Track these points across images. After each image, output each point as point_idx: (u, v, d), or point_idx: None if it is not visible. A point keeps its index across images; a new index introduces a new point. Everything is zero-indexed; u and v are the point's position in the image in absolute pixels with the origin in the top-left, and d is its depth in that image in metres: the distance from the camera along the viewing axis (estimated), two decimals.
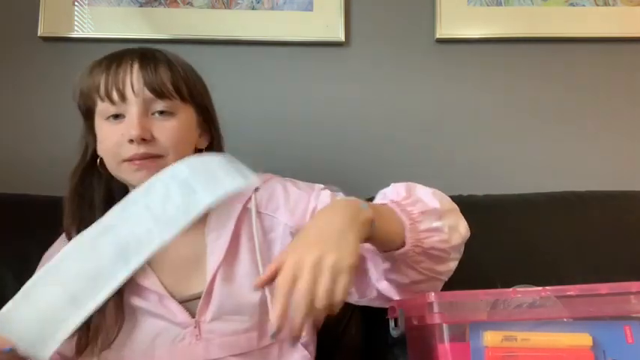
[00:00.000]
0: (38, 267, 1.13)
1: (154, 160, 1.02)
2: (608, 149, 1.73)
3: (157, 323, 1.05)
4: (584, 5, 1.74)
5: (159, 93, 1.03)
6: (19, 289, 1.35)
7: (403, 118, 1.74)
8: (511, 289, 0.87)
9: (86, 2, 1.71)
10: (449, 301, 0.85)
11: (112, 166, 1.06)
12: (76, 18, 1.70)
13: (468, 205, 1.53)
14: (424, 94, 1.74)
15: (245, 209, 1.10)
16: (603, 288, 0.86)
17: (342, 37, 1.72)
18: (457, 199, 1.56)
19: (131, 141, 1.01)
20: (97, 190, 1.12)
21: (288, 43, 1.73)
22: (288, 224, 1.10)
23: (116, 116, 1.04)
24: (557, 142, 1.73)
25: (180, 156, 1.01)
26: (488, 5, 1.74)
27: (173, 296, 1.06)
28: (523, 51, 1.75)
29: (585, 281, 0.87)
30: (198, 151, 1.11)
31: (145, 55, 1.06)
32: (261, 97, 1.73)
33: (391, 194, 1.06)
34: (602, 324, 0.86)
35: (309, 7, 1.72)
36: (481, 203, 1.55)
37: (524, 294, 0.86)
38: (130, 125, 1.01)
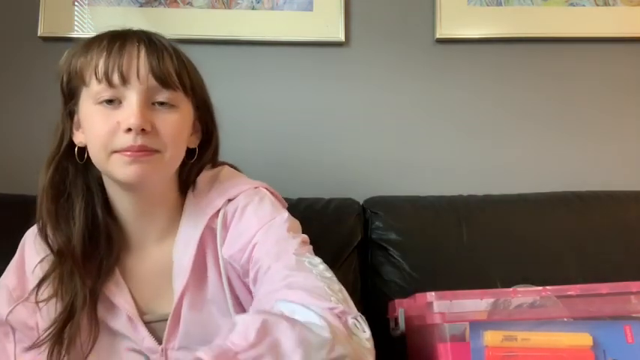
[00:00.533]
0: (6, 272, 1.06)
1: (149, 154, 0.91)
2: (608, 149, 1.73)
3: (128, 344, 0.99)
4: (584, 5, 1.74)
5: (164, 82, 0.93)
6: None
7: (403, 117, 1.74)
8: (511, 289, 0.87)
9: (86, 2, 1.71)
10: (449, 300, 0.85)
11: (99, 157, 0.94)
12: (76, 18, 1.70)
13: (468, 205, 1.55)
14: (424, 93, 1.74)
15: (209, 227, 1.00)
16: (603, 288, 0.86)
17: (342, 37, 1.72)
18: (458, 199, 1.57)
19: (129, 130, 0.89)
20: (74, 184, 1.00)
21: (288, 43, 1.73)
22: (225, 256, 0.98)
23: (110, 101, 0.91)
24: (557, 142, 1.73)
25: (176, 154, 0.96)
26: (488, 5, 1.74)
27: (143, 315, 1.00)
28: (523, 51, 1.75)
29: (585, 281, 0.87)
30: (188, 150, 1.02)
31: (152, 40, 0.95)
32: (261, 97, 1.73)
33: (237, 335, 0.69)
34: (602, 324, 0.86)
35: (309, 7, 1.72)
36: (481, 203, 1.56)
37: (524, 294, 0.86)
38: (130, 113, 0.89)
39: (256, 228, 0.96)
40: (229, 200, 1.00)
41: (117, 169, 0.92)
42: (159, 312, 1.01)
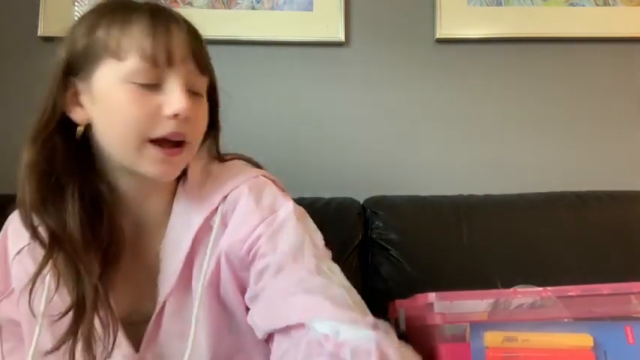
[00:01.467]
0: None
1: (180, 149, 0.84)
2: (608, 149, 1.73)
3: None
4: (584, 5, 1.74)
5: (202, 68, 0.85)
6: None
7: (403, 117, 1.74)
8: (511, 290, 0.87)
9: (86, 2, 1.70)
10: (449, 301, 0.85)
11: (126, 143, 0.83)
12: (76, 18, 1.69)
13: (468, 205, 1.55)
14: (424, 93, 1.74)
15: (207, 224, 0.90)
16: (604, 288, 0.86)
17: (342, 37, 1.72)
18: (458, 199, 1.57)
19: (174, 116, 0.81)
20: (66, 164, 0.88)
21: (288, 43, 1.73)
22: (224, 247, 0.90)
23: (148, 85, 0.82)
24: (557, 142, 1.73)
25: (197, 146, 0.89)
26: (488, 5, 1.74)
27: (125, 314, 0.90)
28: (523, 51, 1.75)
29: (585, 281, 0.87)
30: None
31: (187, 21, 0.88)
32: (261, 97, 1.73)
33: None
34: (602, 324, 0.86)
35: (309, 7, 1.72)
36: (481, 203, 1.56)
37: (524, 294, 0.86)
38: (177, 98, 0.81)
39: (259, 219, 0.88)
40: (224, 197, 0.91)
41: (147, 163, 0.84)
42: (143, 311, 0.92)
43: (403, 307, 0.98)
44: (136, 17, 0.82)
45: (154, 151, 0.82)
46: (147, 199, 0.92)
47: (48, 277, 0.86)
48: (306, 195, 1.52)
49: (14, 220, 0.93)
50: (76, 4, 1.70)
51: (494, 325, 0.84)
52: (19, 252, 0.90)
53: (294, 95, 1.74)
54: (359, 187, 1.67)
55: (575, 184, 1.63)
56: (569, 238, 1.49)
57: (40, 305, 0.86)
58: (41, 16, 1.69)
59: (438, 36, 1.73)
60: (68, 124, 0.87)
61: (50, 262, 0.84)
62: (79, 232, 0.84)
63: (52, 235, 0.85)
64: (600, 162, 1.72)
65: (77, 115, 0.87)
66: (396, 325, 0.99)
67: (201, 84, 0.87)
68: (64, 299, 0.85)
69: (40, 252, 0.86)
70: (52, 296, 0.86)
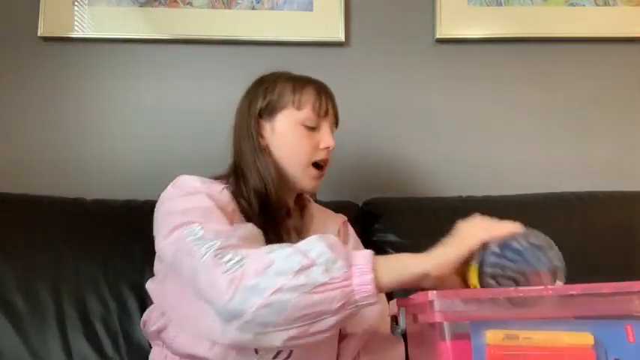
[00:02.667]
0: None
1: (323, 172, 1.24)
2: (608, 149, 1.73)
3: None
4: (584, 5, 1.74)
5: (336, 122, 1.29)
6: (20, 286, 1.35)
7: (403, 118, 1.74)
8: (512, 288, 0.87)
9: (86, 2, 1.71)
10: (450, 299, 0.84)
11: (297, 165, 1.21)
12: (76, 18, 1.70)
13: (468, 205, 1.54)
14: (424, 94, 1.75)
15: (345, 227, 1.35)
16: (605, 287, 0.86)
17: (342, 37, 1.72)
18: (457, 199, 1.57)
19: (326, 148, 1.22)
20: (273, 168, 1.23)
21: (288, 43, 1.73)
22: None
23: (312, 128, 1.21)
24: (556, 142, 1.74)
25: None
26: (488, 5, 1.74)
27: None
28: (523, 51, 1.75)
29: (585, 281, 0.87)
30: None
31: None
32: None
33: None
34: (603, 323, 0.86)
35: (309, 7, 1.72)
36: (481, 203, 1.55)
37: (525, 293, 0.85)
38: (330, 137, 1.22)
39: (362, 247, 1.36)
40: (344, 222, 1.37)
41: (306, 179, 1.22)
42: None
43: (403, 305, 0.97)
44: (309, 84, 1.26)
45: (314, 172, 1.22)
46: (289, 199, 1.28)
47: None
48: None
49: (189, 178, 1.17)
50: (76, 4, 1.70)
51: (495, 323, 0.84)
52: (223, 188, 1.18)
53: None
54: (357, 189, 1.67)
55: (575, 184, 1.63)
56: (569, 238, 1.48)
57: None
58: (41, 16, 1.69)
59: (438, 36, 1.73)
60: None
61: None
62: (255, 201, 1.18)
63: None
64: (600, 162, 1.73)
65: (264, 141, 1.23)
66: (396, 324, 0.99)
67: (334, 130, 1.28)
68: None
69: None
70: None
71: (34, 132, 1.69)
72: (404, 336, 0.98)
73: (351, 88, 1.74)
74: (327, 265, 0.92)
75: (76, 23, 1.70)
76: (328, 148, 1.22)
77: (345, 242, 1.31)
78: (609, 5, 1.74)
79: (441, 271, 0.96)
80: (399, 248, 1.48)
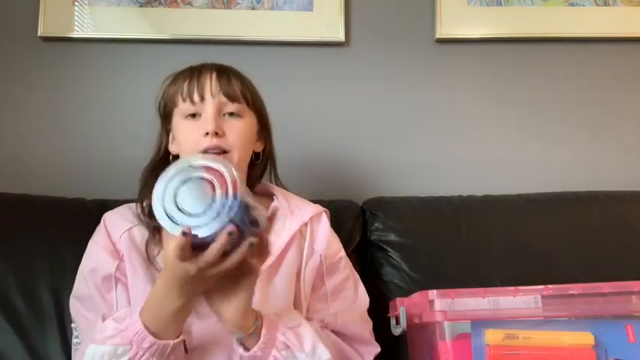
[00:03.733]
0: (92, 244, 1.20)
1: (221, 155, 1.14)
2: (608, 149, 1.73)
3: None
4: (584, 5, 1.74)
5: (231, 97, 1.18)
6: (20, 286, 1.36)
7: (403, 118, 1.74)
8: (513, 288, 0.87)
9: (86, 2, 1.70)
10: (450, 298, 0.85)
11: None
12: (76, 18, 1.70)
13: (467, 206, 1.54)
14: (424, 94, 1.74)
15: (300, 233, 1.24)
16: (606, 287, 0.86)
17: (342, 37, 1.72)
18: (457, 199, 1.57)
19: (207, 134, 1.13)
20: None
21: (288, 43, 1.73)
22: (320, 252, 1.23)
23: (193, 115, 1.17)
24: (557, 142, 1.74)
25: (242, 153, 1.18)
26: (488, 5, 1.74)
27: None
28: (523, 51, 1.75)
29: (585, 281, 0.87)
30: (255, 154, 1.25)
31: (221, 67, 1.22)
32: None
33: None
34: (604, 323, 0.86)
35: (309, 7, 1.72)
36: (481, 203, 1.56)
37: (525, 292, 0.86)
38: (207, 120, 1.14)
39: (339, 245, 1.29)
40: (311, 218, 1.26)
41: None
42: None
43: (404, 304, 0.98)
44: (181, 75, 1.21)
45: None
46: None
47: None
48: (305, 197, 1.52)
49: (109, 217, 1.22)
50: (76, 4, 1.70)
51: (495, 323, 0.84)
52: (129, 228, 1.18)
53: (294, 95, 1.73)
54: (357, 188, 1.67)
55: (575, 184, 1.63)
56: (569, 238, 1.49)
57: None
58: (41, 16, 1.68)
59: (438, 36, 1.73)
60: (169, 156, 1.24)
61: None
62: None
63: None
64: (600, 162, 1.72)
65: (172, 149, 1.23)
66: (396, 323, 0.99)
67: (236, 107, 1.18)
68: None
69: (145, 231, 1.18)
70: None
71: (34, 132, 1.69)
72: (404, 335, 0.98)
73: (351, 88, 1.74)
74: None
75: (76, 23, 1.70)
76: (208, 133, 1.14)
77: (300, 246, 1.23)
78: (609, 5, 1.74)
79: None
80: (399, 248, 1.48)
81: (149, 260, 1.15)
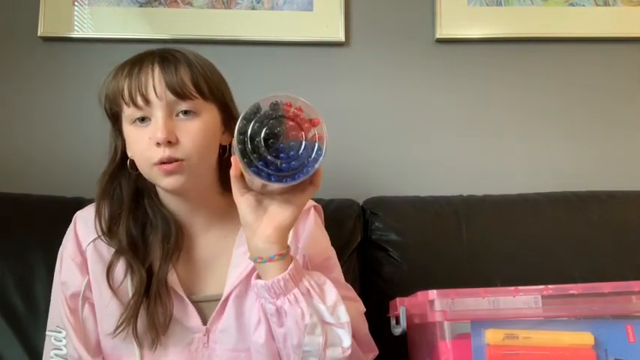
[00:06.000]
0: (58, 263, 1.16)
1: (179, 164, 1.01)
2: (608, 149, 1.73)
3: (174, 323, 1.07)
4: (584, 5, 1.74)
5: (181, 94, 1.02)
6: (19, 287, 1.35)
7: (403, 118, 1.74)
8: (512, 288, 0.87)
9: (86, 2, 1.70)
10: (451, 298, 0.85)
11: (145, 170, 1.05)
12: (76, 18, 1.70)
13: (467, 206, 1.54)
14: (424, 94, 1.74)
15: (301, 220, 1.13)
16: (606, 287, 0.86)
17: (342, 37, 1.72)
18: (457, 199, 1.57)
19: (158, 144, 1.00)
20: (126, 189, 1.12)
21: (288, 43, 1.73)
22: (303, 252, 1.11)
23: (142, 119, 1.03)
24: (557, 142, 1.73)
25: (202, 157, 1.04)
26: (488, 5, 1.74)
27: (191, 294, 1.09)
28: (523, 51, 1.75)
29: (585, 281, 0.87)
30: (222, 147, 1.11)
31: (165, 57, 1.05)
32: (260, 97, 1.72)
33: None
34: (604, 323, 0.86)
35: (309, 7, 1.72)
36: (481, 203, 1.55)
37: (525, 292, 0.86)
38: (156, 128, 1.00)
39: (327, 244, 1.17)
40: None
41: (158, 181, 1.04)
42: (202, 294, 1.10)
43: (404, 304, 0.98)
44: (120, 70, 1.06)
45: (157, 170, 1.02)
46: (193, 211, 1.12)
47: (120, 265, 1.08)
48: None
49: (80, 220, 1.14)
50: (76, 4, 1.70)
51: (495, 323, 0.84)
52: (93, 240, 1.10)
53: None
54: (358, 188, 1.67)
55: (575, 184, 1.63)
56: (569, 238, 1.49)
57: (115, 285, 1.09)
58: (41, 16, 1.68)
59: (438, 36, 1.73)
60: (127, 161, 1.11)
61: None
62: (126, 237, 1.08)
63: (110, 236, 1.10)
64: (600, 162, 1.72)
65: (129, 153, 1.09)
66: (396, 323, 0.99)
67: (189, 105, 1.02)
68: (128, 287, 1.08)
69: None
70: (122, 280, 1.08)
71: (34, 132, 1.69)
72: (404, 335, 0.98)
73: (351, 88, 1.74)
74: None
75: (76, 23, 1.70)
76: (158, 144, 1.00)
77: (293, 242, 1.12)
78: (609, 5, 1.74)
79: None
80: (399, 247, 1.48)
81: (112, 290, 1.07)
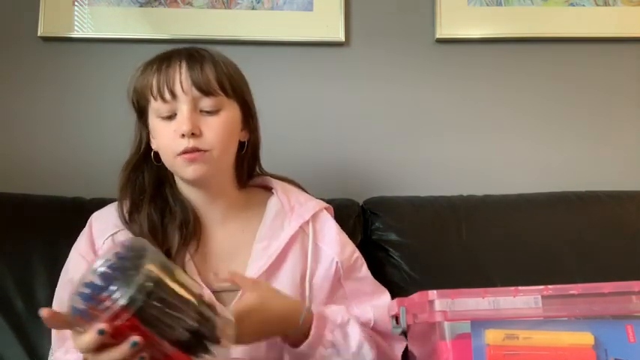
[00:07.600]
0: (76, 246, 1.18)
1: (202, 154, 1.07)
2: (608, 149, 1.73)
3: None
4: (584, 5, 1.74)
5: (205, 91, 1.08)
6: (20, 287, 1.35)
7: (403, 118, 1.74)
8: (513, 288, 0.87)
9: (86, 2, 1.70)
10: (450, 299, 0.84)
11: (168, 161, 1.11)
12: (76, 18, 1.70)
13: (468, 205, 1.55)
14: (424, 94, 1.74)
15: (302, 231, 1.19)
16: (606, 287, 0.86)
17: (342, 37, 1.72)
18: (457, 199, 1.57)
19: (183, 135, 1.06)
20: (148, 178, 1.17)
21: (288, 43, 1.73)
22: (336, 259, 1.18)
23: (169, 117, 1.09)
24: (557, 142, 1.74)
25: (224, 151, 1.11)
26: (488, 5, 1.74)
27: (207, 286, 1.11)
28: (523, 51, 1.75)
29: (585, 281, 0.87)
30: (240, 143, 1.18)
31: (192, 54, 1.12)
32: (260, 97, 1.71)
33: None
34: (604, 323, 0.86)
35: (309, 7, 1.72)
36: (481, 203, 1.56)
37: (525, 293, 0.85)
38: (182, 121, 1.07)
39: (352, 246, 1.24)
40: (312, 215, 1.21)
41: (181, 170, 1.10)
42: (219, 285, 1.12)
43: (404, 304, 0.97)
44: (149, 66, 1.12)
45: (180, 160, 1.08)
46: (210, 204, 1.17)
47: None
48: None
49: (96, 220, 1.19)
50: (76, 4, 1.70)
51: (495, 323, 0.84)
52: (114, 233, 1.14)
53: (294, 95, 1.74)
54: (358, 188, 1.67)
55: (575, 184, 1.63)
56: (569, 238, 1.49)
57: None
58: (41, 16, 1.69)
59: (438, 36, 1.73)
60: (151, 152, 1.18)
61: None
62: (147, 224, 1.13)
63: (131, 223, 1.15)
64: (600, 162, 1.73)
65: (154, 145, 1.16)
66: (396, 323, 0.99)
67: (212, 102, 1.09)
68: None
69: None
70: None
71: (34, 132, 1.69)
72: (404, 335, 0.98)
73: (351, 88, 1.74)
74: None
75: (76, 23, 1.70)
76: (183, 135, 1.07)
77: (304, 246, 1.19)
78: (609, 5, 1.74)
79: None
80: (399, 247, 1.49)
81: None
